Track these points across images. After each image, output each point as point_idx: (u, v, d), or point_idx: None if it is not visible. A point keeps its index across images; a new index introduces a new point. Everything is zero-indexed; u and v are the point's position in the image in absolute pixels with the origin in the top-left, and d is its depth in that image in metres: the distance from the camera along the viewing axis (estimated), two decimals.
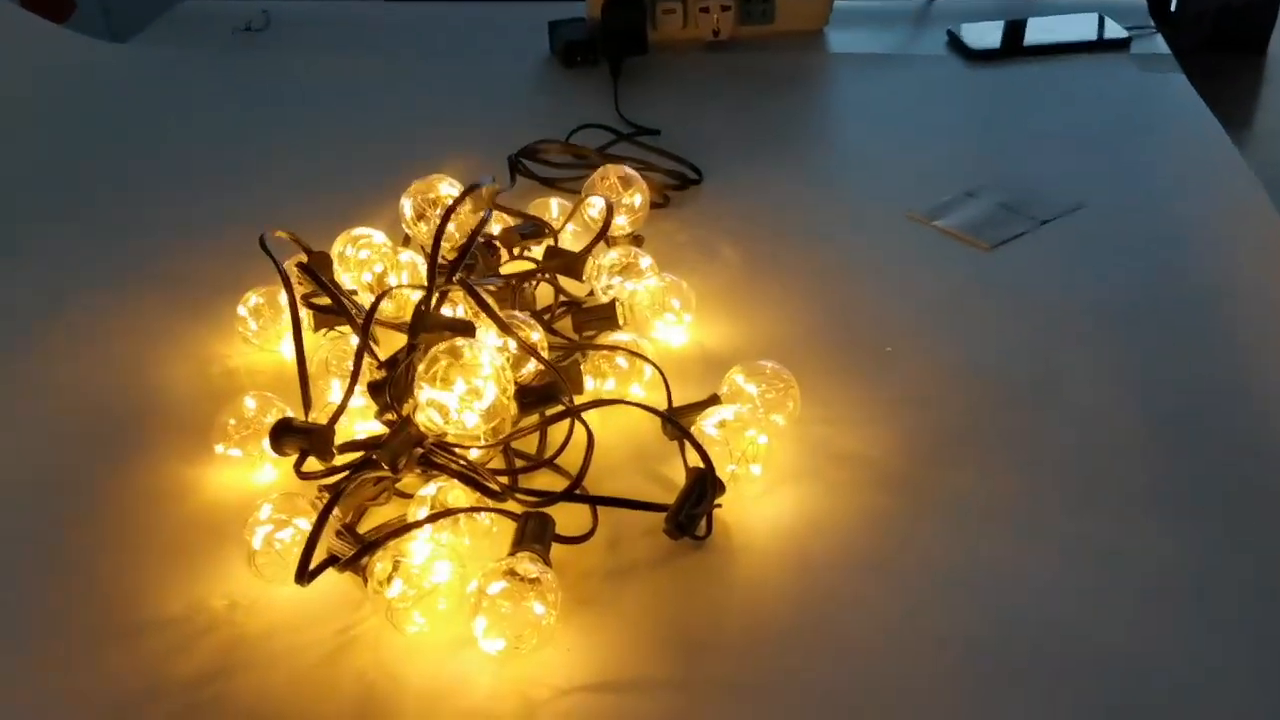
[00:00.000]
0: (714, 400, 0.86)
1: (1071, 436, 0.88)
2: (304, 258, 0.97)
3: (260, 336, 1.01)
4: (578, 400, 0.86)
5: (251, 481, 0.86)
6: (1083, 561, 0.76)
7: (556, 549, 0.76)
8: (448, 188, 1.00)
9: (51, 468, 0.90)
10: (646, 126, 1.37)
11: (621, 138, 1.34)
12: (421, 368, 0.74)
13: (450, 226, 0.96)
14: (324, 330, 0.99)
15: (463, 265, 0.90)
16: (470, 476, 0.76)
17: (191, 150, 1.44)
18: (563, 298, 1.02)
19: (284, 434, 0.83)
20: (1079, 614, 0.72)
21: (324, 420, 0.83)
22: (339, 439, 0.81)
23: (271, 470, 0.87)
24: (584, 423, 0.83)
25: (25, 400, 0.98)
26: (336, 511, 0.76)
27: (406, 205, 0.99)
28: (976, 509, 0.81)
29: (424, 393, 0.74)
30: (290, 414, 0.86)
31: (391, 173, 1.11)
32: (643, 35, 1.57)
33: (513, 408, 0.83)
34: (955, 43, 1.63)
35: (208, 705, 0.69)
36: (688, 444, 0.83)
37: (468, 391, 0.74)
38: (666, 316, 0.99)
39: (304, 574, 0.71)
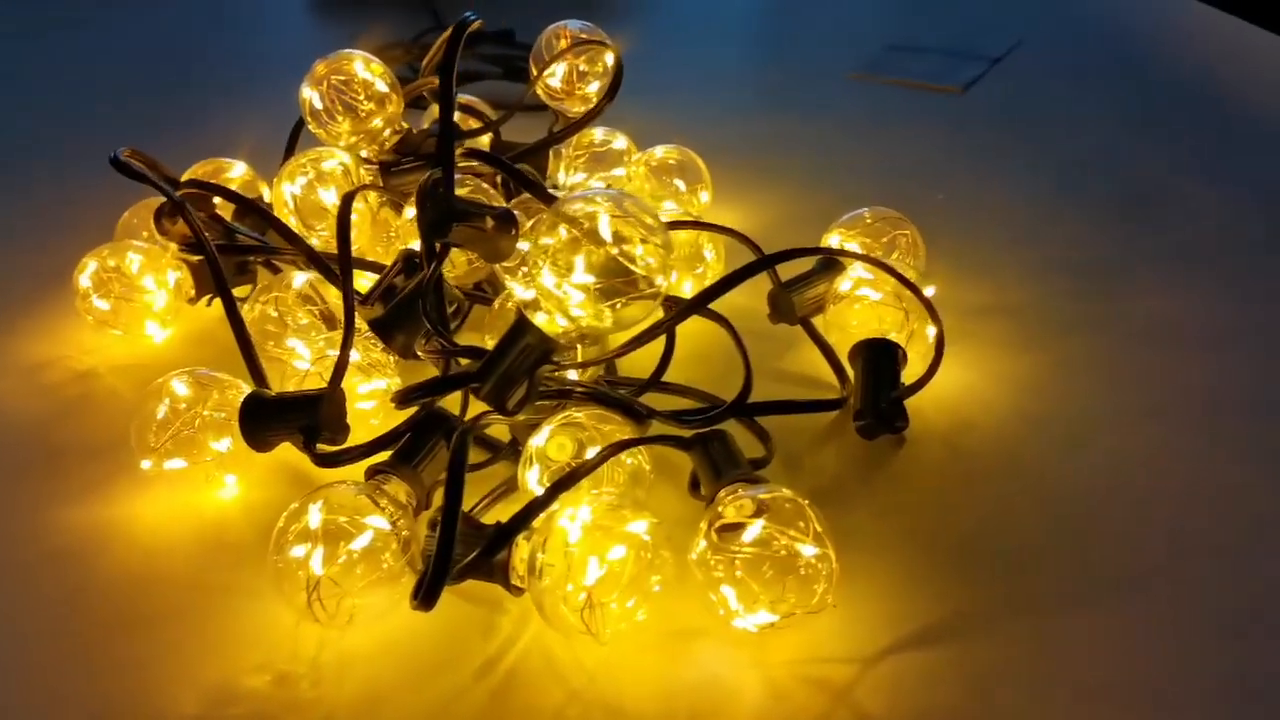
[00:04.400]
0: (832, 264, 0.65)
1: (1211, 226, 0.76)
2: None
3: (119, 317, 0.69)
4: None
5: (210, 502, 0.57)
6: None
7: None
8: (363, 69, 0.72)
9: None
10: (501, 29, 1.12)
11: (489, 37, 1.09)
12: (540, 242, 0.48)
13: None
14: (206, 298, 0.70)
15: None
16: (610, 398, 0.52)
17: None
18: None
19: (266, 412, 0.54)
20: None
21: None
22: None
23: (232, 484, 0.57)
24: (722, 319, 0.60)
25: None
26: (399, 496, 0.50)
27: (315, 97, 0.70)
28: (1156, 327, 0.67)
29: (545, 278, 0.48)
30: (262, 390, 0.57)
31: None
32: None
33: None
34: None
35: None
36: (826, 320, 0.62)
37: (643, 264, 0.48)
38: (665, 205, 0.77)
39: (436, 589, 0.44)
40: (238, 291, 0.66)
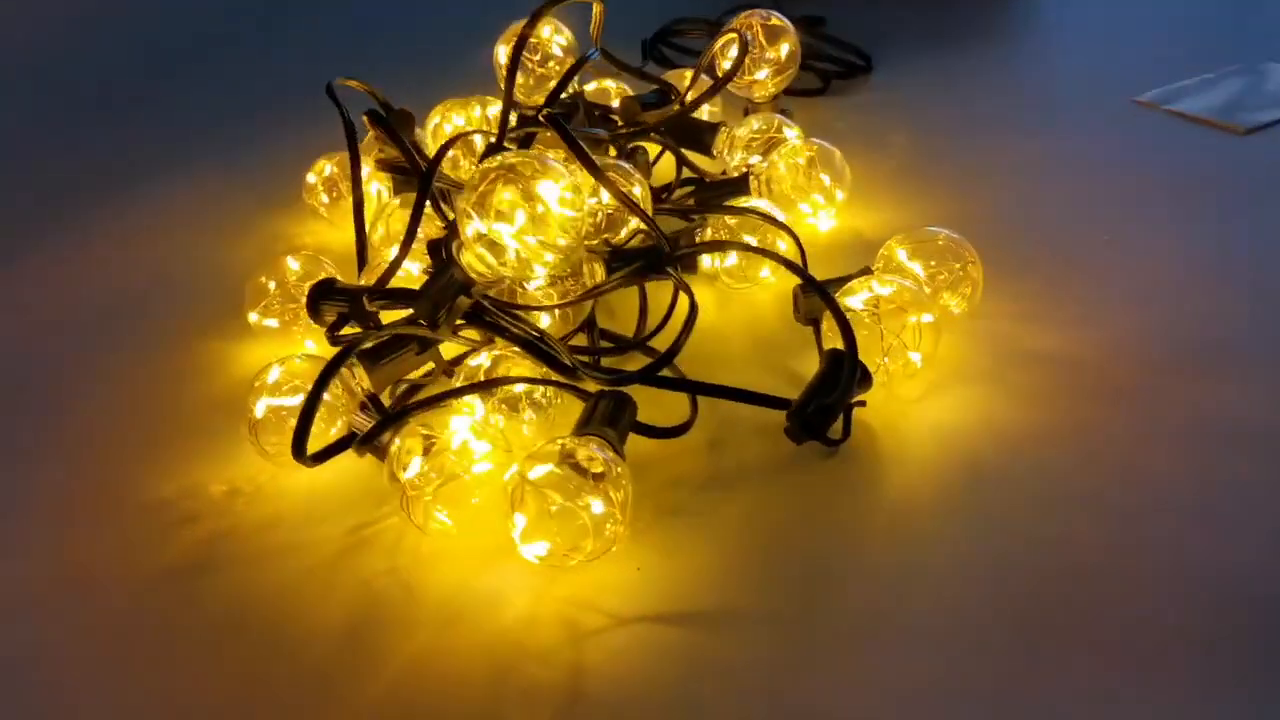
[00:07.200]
0: (866, 273, 0.65)
1: None
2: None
3: (334, 211, 0.86)
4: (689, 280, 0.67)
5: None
6: None
7: (643, 445, 0.58)
8: (549, 29, 0.82)
9: (82, 343, 0.77)
10: (810, 14, 1.15)
11: None
12: (465, 193, 0.56)
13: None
14: (400, 197, 0.83)
15: (556, 106, 0.72)
16: (532, 342, 0.58)
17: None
18: (687, 175, 0.83)
19: (322, 296, 0.67)
20: None
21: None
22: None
23: (311, 348, 0.71)
24: (687, 289, 0.63)
25: (73, 281, 0.85)
26: (362, 382, 0.60)
27: (500, 53, 0.82)
28: (1221, 430, 0.58)
29: (472, 224, 0.56)
30: (337, 277, 0.70)
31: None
32: None
33: (598, 269, 0.65)
34: None
35: (173, 605, 0.54)
36: (826, 327, 0.63)
37: (530, 221, 0.55)
38: (814, 198, 0.79)
39: (300, 449, 0.55)
40: None
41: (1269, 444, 0.56)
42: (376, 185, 0.85)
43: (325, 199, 0.86)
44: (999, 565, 0.51)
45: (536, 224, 0.55)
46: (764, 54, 0.84)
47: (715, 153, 0.84)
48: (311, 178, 0.86)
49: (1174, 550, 0.51)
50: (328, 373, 0.56)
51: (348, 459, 0.58)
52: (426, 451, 0.54)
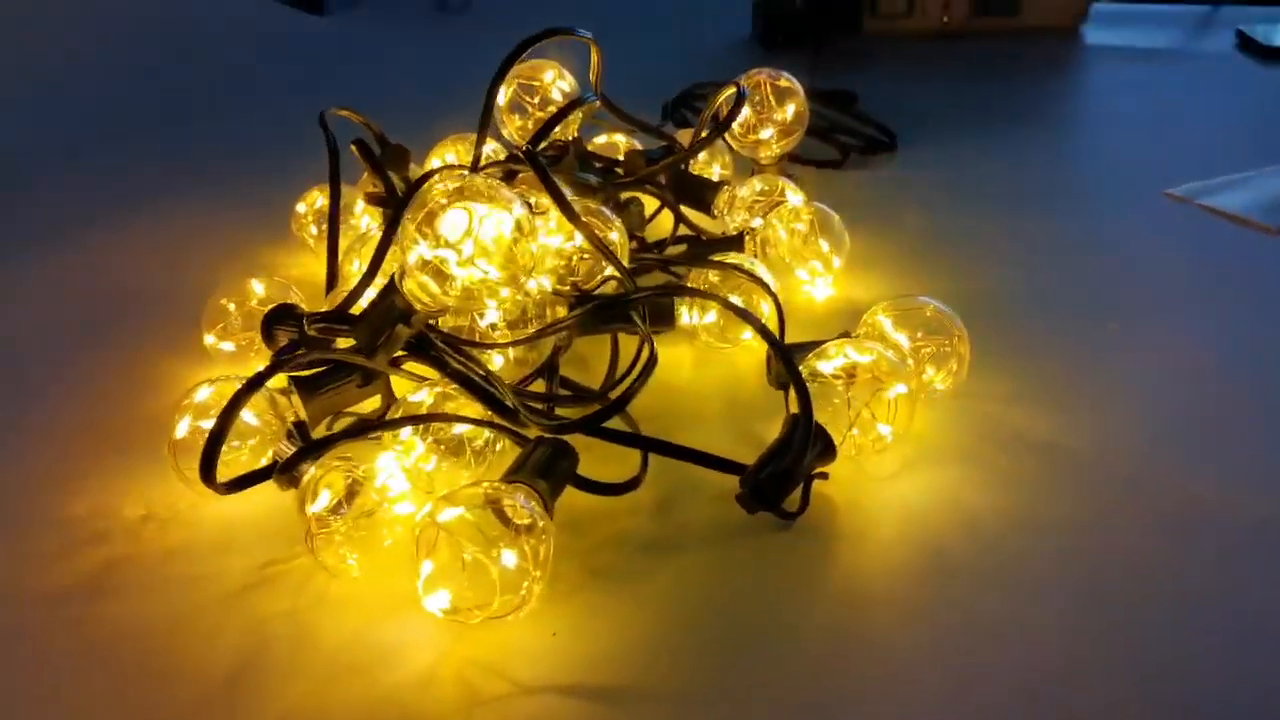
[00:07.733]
0: (844, 338, 0.61)
1: None
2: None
3: (322, 244, 0.83)
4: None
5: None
6: None
7: (584, 500, 0.54)
8: (552, 73, 0.80)
9: (34, 360, 0.74)
10: (841, 89, 1.12)
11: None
12: (410, 214, 0.52)
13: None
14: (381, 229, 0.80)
15: (542, 149, 0.69)
16: (471, 380, 0.54)
17: None
18: (684, 232, 0.80)
19: (278, 321, 0.64)
20: None
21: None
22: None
23: None
24: (649, 338, 0.59)
25: (43, 298, 0.84)
26: (299, 411, 0.57)
27: (501, 93, 0.80)
28: (1211, 525, 0.53)
29: (416, 250, 0.52)
30: (299, 304, 0.67)
31: None
32: (855, 13, 1.36)
33: (562, 314, 0.62)
34: (1247, 42, 1.33)
35: (54, 627, 0.50)
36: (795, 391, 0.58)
37: (477, 249, 0.51)
38: (812, 264, 0.75)
39: (208, 473, 0.51)
40: None
41: (1261, 539, 0.51)
42: (367, 220, 0.83)
43: (314, 230, 0.83)
44: (958, 656, 0.46)
45: (484, 252, 0.51)
46: (771, 114, 0.81)
47: (716, 212, 0.81)
48: (301, 207, 0.84)
49: (1159, 647, 0.45)
50: (243, 393, 0.52)
51: (272, 492, 0.54)
52: (344, 487, 0.51)
